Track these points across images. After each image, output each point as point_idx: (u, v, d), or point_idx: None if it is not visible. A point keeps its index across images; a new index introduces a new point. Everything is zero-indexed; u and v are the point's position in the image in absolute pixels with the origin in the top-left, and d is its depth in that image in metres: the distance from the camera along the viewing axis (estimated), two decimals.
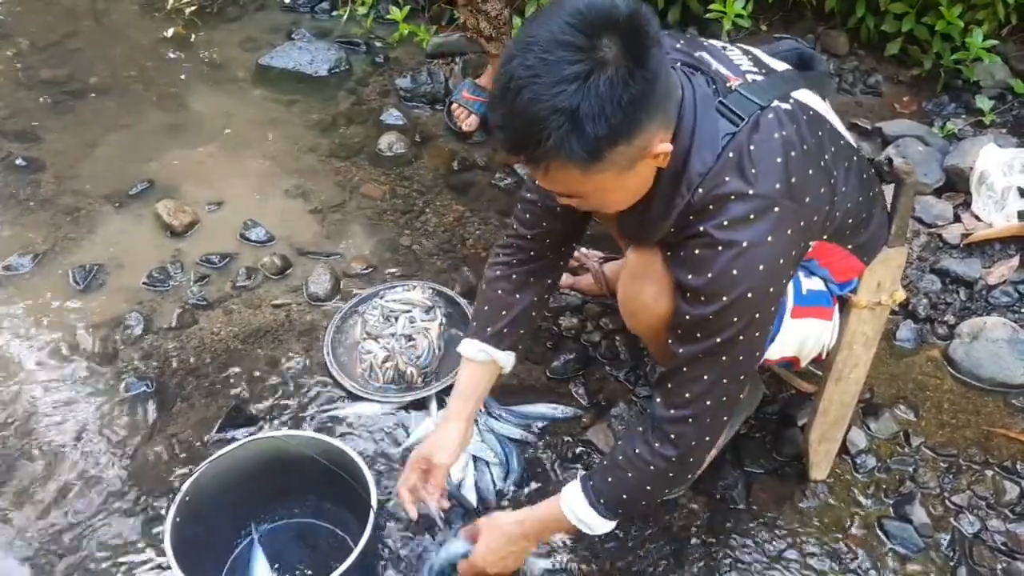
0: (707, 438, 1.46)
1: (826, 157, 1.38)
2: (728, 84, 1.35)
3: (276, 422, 2.01)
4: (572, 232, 1.69)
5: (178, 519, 1.58)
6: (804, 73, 1.48)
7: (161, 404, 2.06)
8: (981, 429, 1.99)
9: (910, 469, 1.91)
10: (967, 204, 2.49)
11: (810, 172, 1.34)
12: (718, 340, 1.36)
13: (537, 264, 1.69)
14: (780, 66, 1.45)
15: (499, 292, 1.69)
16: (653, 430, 1.45)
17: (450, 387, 2.03)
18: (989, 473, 1.90)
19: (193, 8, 3.47)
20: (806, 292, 1.54)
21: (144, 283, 2.37)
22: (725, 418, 1.46)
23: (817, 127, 1.40)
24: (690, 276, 1.34)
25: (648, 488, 1.50)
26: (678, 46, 1.40)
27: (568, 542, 1.79)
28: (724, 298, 1.31)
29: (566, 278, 2.27)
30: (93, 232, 2.54)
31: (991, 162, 2.44)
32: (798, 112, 1.37)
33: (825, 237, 1.46)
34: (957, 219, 2.47)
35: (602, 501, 1.50)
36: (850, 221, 1.48)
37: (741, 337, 1.36)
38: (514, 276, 1.69)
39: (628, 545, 1.79)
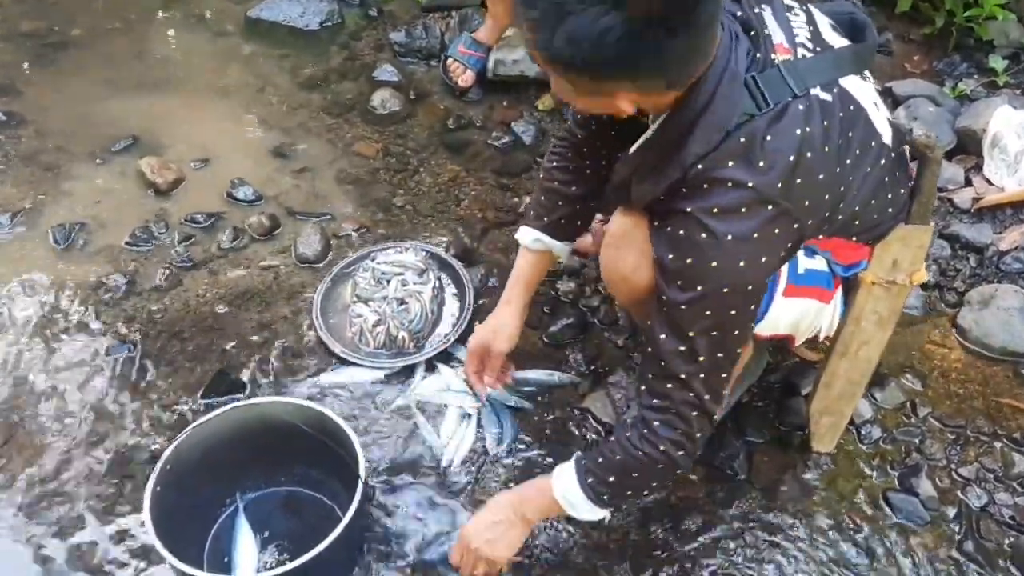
0: (698, 434, 1.39)
1: (846, 162, 1.30)
2: (773, 56, 1.25)
3: (262, 387, 1.95)
4: (622, 139, 1.59)
5: (158, 488, 1.53)
6: (855, 47, 1.37)
7: (143, 368, 1.99)
8: (990, 400, 1.93)
9: (916, 440, 1.86)
10: (979, 167, 2.41)
11: (820, 177, 1.26)
12: (691, 334, 1.31)
13: (592, 159, 1.69)
14: (839, 42, 1.36)
15: (555, 183, 1.72)
16: (643, 420, 1.39)
17: (443, 352, 2.00)
18: (998, 445, 1.85)
19: None
20: (803, 271, 1.46)
21: (127, 243, 2.28)
22: (711, 399, 1.37)
23: (850, 126, 1.30)
24: (670, 256, 1.28)
25: (635, 475, 1.43)
26: None
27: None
28: (699, 288, 1.27)
29: None
30: (74, 190, 2.44)
31: (1005, 124, 2.36)
32: (836, 106, 1.28)
33: (821, 237, 1.39)
34: (968, 183, 2.40)
35: (590, 481, 1.44)
36: (857, 223, 1.41)
37: (714, 333, 1.31)
38: (571, 167, 1.71)
39: (627, 517, 1.74)
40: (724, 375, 1.38)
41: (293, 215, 2.37)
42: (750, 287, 1.30)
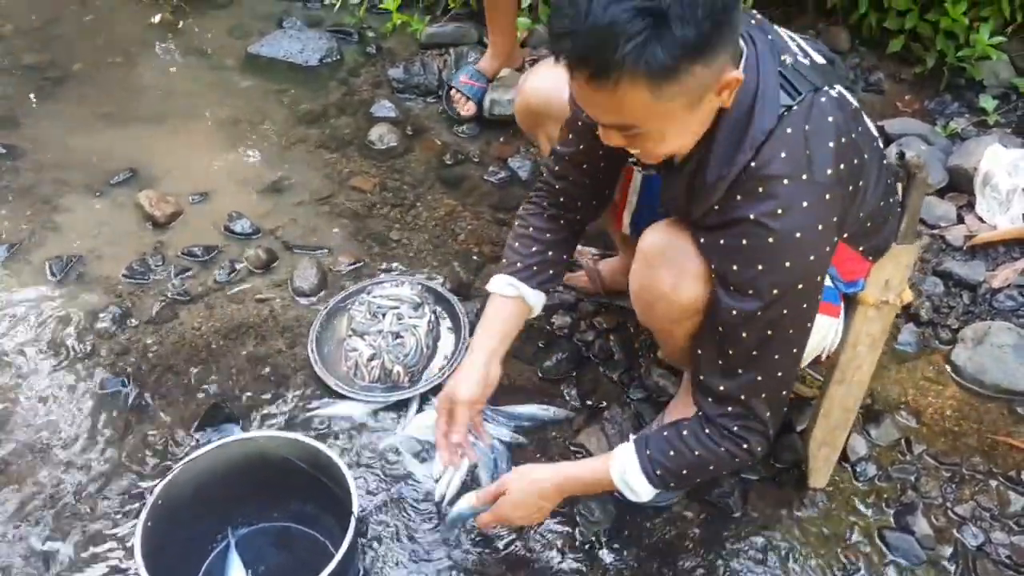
0: (772, 430, 1.46)
1: (865, 155, 1.35)
2: (783, 57, 1.30)
3: (256, 421, 1.94)
4: (598, 188, 1.66)
5: (150, 523, 1.52)
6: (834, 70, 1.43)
7: (137, 402, 1.99)
8: (985, 437, 1.93)
9: (912, 478, 1.85)
10: (971, 205, 2.44)
11: (855, 162, 1.31)
12: (768, 333, 1.33)
13: (567, 210, 1.69)
14: (820, 60, 1.40)
15: (530, 228, 1.69)
16: (721, 428, 1.43)
17: (438, 387, 1.99)
18: (993, 483, 1.84)
19: None
20: None
21: (124, 275, 2.29)
22: (786, 394, 1.45)
23: (858, 123, 1.37)
24: (735, 267, 1.29)
25: (712, 468, 1.48)
26: None
27: (561, 551, 1.73)
28: (775, 291, 1.28)
29: None
30: (72, 222, 2.46)
31: (996, 163, 2.38)
32: (844, 103, 1.33)
33: (846, 236, 1.41)
34: (960, 220, 2.41)
35: (658, 473, 1.48)
36: (868, 225, 1.45)
37: (791, 331, 1.34)
38: (545, 215, 1.69)
39: (621, 554, 1.73)
40: (790, 383, 1.43)
41: (290, 249, 2.38)
42: (819, 278, 1.34)
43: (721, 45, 1.13)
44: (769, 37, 1.33)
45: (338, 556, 1.46)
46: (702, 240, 1.35)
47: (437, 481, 1.81)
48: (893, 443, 1.91)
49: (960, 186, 2.49)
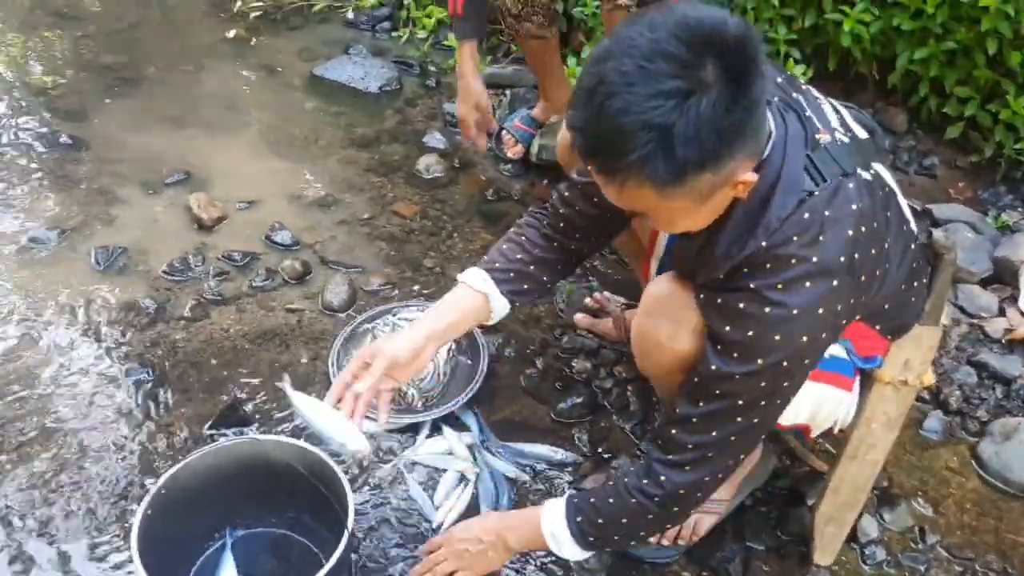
0: (698, 493, 1.42)
1: (888, 241, 1.33)
2: (817, 137, 1.29)
3: (269, 426, 1.97)
4: (603, 224, 1.62)
5: (150, 511, 1.53)
6: (875, 142, 1.41)
7: (158, 393, 2.03)
8: (1003, 536, 1.86)
9: (922, 568, 1.79)
10: (1014, 299, 2.38)
11: (872, 252, 1.28)
12: (739, 402, 1.31)
13: (564, 236, 1.64)
14: (862, 134, 1.39)
15: (522, 238, 1.64)
16: (648, 469, 1.41)
17: (450, 415, 1.99)
18: None
19: (258, 13, 3.53)
20: (828, 356, 1.44)
21: (164, 271, 2.36)
22: (721, 476, 1.41)
23: (887, 206, 1.34)
24: (727, 328, 1.28)
25: (624, 521, 1.45)
26: (779, 80, 1.34)
27: None
28: (759, 361, 1.26)
29: (584, 319, 2.21)
30: (124, 215, 2.55)
31: None
32: (876, 186, 1.32)
33: (858, 317, 1.39)
34: (1002, 313, 2.36)
35: (578, 519, 1.46)
36: (886, 307, 1.42)
37: (763, 403, 1.32)
38: (542, 232, 1.64)
39: None
40: (739, 455, 1.41)
41: (326, 263, 2.43)
42: (807, 361, 1.31)
43: (731, 154, 1.13)
44: (807, 114, 1.31)
45: (326, 568, 1.46)
46: (701, 296, 1.35)
47: (438, 508, 1.81)
48: (906, 529, 1.86)
49: (1005, 279, 2.44)
